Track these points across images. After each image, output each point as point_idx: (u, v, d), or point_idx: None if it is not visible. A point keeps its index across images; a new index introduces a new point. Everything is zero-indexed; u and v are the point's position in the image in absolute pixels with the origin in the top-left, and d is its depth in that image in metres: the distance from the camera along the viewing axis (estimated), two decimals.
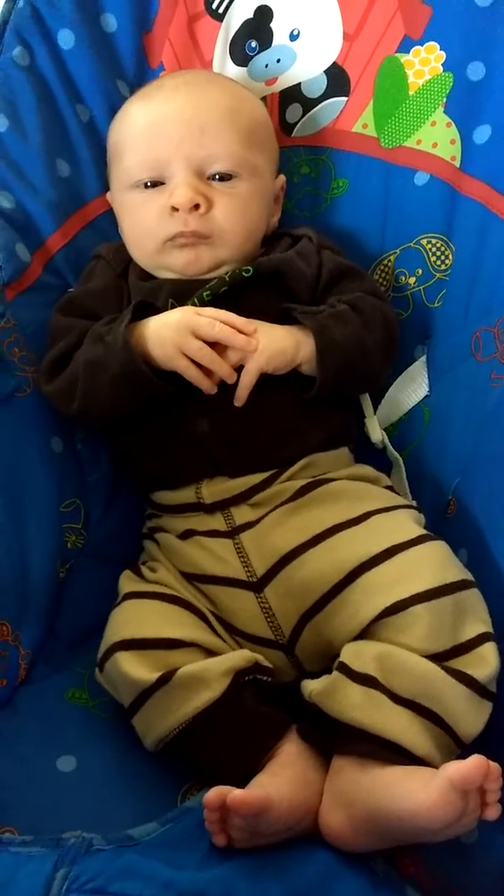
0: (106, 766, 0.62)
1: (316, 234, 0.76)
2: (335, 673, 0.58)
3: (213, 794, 0.51)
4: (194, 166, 0.71)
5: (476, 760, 0.49)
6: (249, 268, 0.70)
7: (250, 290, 0.70)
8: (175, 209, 0.70)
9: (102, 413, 0.70)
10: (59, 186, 0.78)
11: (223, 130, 0.71)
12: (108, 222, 0.80)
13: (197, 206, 0.70)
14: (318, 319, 0.68)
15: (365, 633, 0.60)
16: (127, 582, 0.69)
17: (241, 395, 0.67)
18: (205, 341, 0.66)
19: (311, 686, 0.59)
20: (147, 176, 0.72)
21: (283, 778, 0.55)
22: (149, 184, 0.72)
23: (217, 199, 0.71)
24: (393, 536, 0.62)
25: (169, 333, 0.66)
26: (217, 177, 0.72)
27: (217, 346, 0.66)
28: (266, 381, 0.68)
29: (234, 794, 0.51)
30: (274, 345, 0.67)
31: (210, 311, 0.67)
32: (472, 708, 0.57)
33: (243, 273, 0.70)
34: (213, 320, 0.66)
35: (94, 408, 0.69)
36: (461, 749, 0.57)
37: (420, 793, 0.50)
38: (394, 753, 0.54)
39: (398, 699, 0.56)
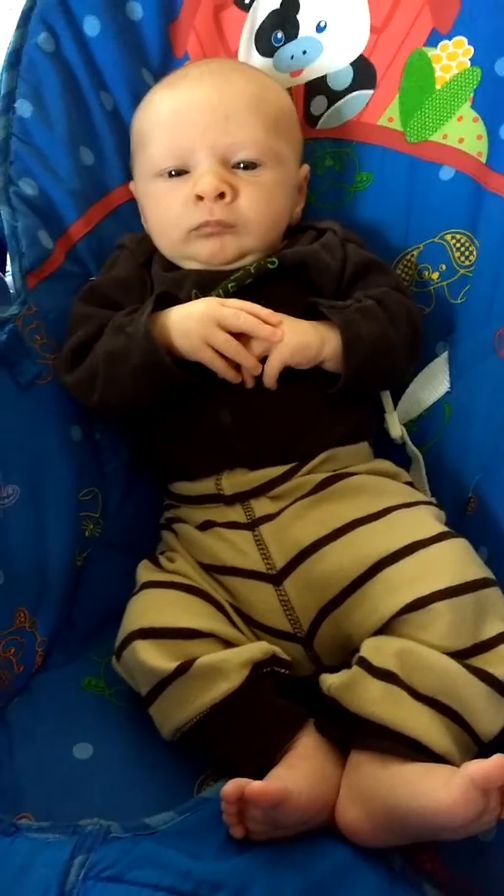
0: (122, 755, 0.62)
1: (341, 227, 0.75)
2: (355, 668, 0.58)
3: (231, 786, 0.51)
4: (219, 154, 0.71)
5: (498, 760, 0.49)
6: (275, 259, 0.70)
7: (275, 282, 0.70)
8: (200, 198, 0.70)
9: (123, 404, 0.70)
10: (83, 174, 0.78)
11: (248, 118, 0.71)
12: (130, 211, 0.80)
13: (222, 195, 0.69)
14: (345, 314, 0.68)
15: (385, 629, 0.59)
16: (145, 571, 0.69)
17: (270, 384, 0.67)
18: (230, 332, 0.66)
19: (330, 680, 0.59)
20: (172, 164, 0.72)
21: (300, 771, 0.55)
22: (173, 172, 0.72)
23: (242, 187, 0.71)
24: (414, 532, 0.62)
25: (194, 325, 0.66)
26: (242, 165, 0.71)
27: (241, 337, 0.66)
28: (289, 374, 0.68)
29: (253, 785, 0.51)
30: (297, 338, 0.67)
31: (235, 302, 0.67)
32: (492, 706, 0.56)
33: (269, 265, 0.69)
34: (238, 311, 0.66)
35: (114, 399, 0.69)
36: (480, 747, 0.57)
37: (440, 791, 0.50)
38: (413, 750, 0.54)
39: (418, 696, 0.56)
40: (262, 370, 0.67)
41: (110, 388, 0.68)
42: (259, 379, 0.67)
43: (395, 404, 0.79)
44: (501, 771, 0.49)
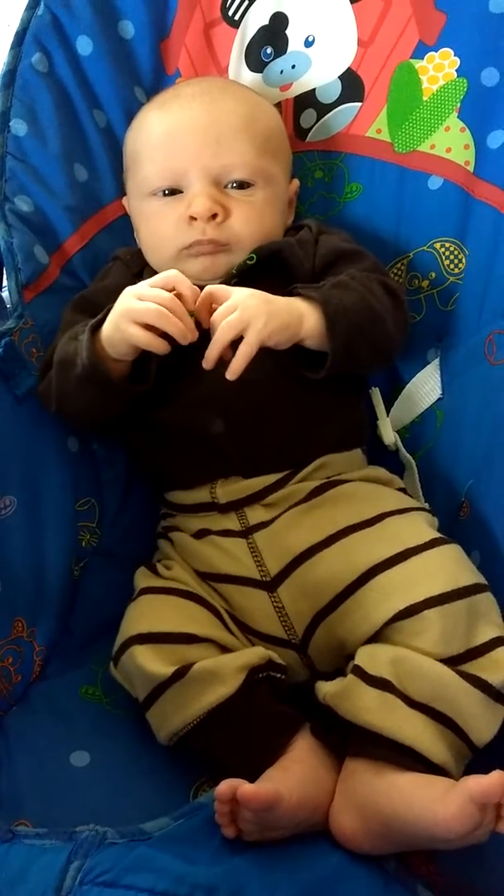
0: (119, 762, 0.62)
1: (316, 223, 0.76)
2: (350, 676, 0.58)
3: (225, 786, 0.52)
4: (211, 176, 0.72)
5: (498, 776, 0.49)
6: (253, 255, 0.71)
7: (256, 280, 0.70)
8: (193, 218, 0.71)
9: (76, 413, 0.69)
10: (77, 190, 0.79)
11: (239, 140, 0.72)
12: (124, 226, 0.81)
13: (214, 216, 0.71)
14: (322, 291, 0.67)
15: (378, 636, 0.60)
16: (142, 578, 0.69)
17: (236, 368, 0.62)
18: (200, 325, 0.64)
19: (325, 688, 0.59)
20: (165, 185, 0.73)
21: (293, 773, 0.55)
22: (167, 192, 0.73)
23: (234, 207, 0.72)
24: (406, 539, 0.63)
25: (115, 317, 0.64)
26: (234, 185, 0.72)
27: (204, 311, 0.64)
28: (280, 381, 0.68)
29: (245, 787, 0.51)
30: (277, 319, 0.63)
31: (155, 284, 0.64)
32: (485, 713, 0.57)
33: (248, 262, 0.70)
34: (149, 307, 0.62)
35: (68, 408, 0.69)
36: (473, 753, 0.57)
37: (438, 803, 0.51)
38: (409, 759, 0.54)
39: (413, 703, 0.56)
40: (232, 359, 0.62)
41: (62, 396, 0.68)
42: (252, 385, 0.64)
43: (388, 411, 0.80)
44: (500, 787, 0.49)
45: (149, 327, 0.63)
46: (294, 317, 0.64)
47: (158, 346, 0.63)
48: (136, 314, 0.63)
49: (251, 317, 0.62)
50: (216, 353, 0.62)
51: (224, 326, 0.62)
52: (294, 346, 0.65)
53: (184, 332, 0.62)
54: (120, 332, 0.64)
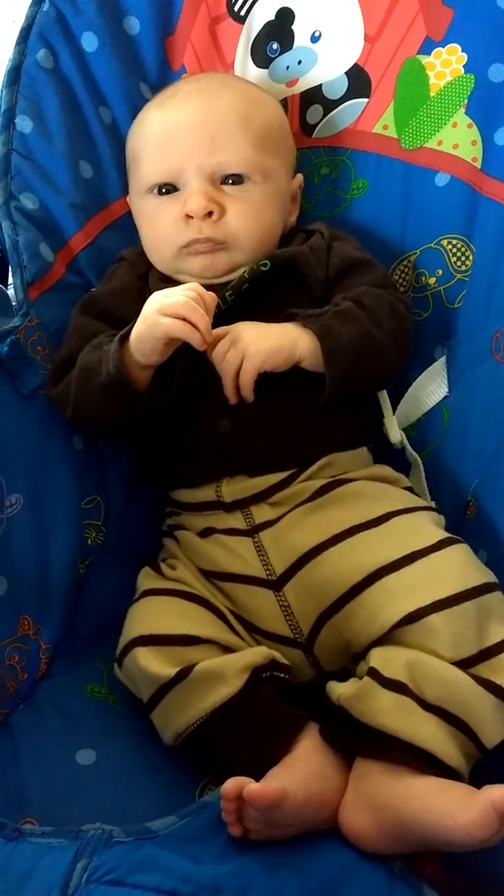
0: (125, 760, 0.62)
1: (327, 228, 0.76)
2: (366, 678, 0.58)
3: (231, 784, 0.52)
4: (207, 173, 0.72)
5: None
6: (267, 261, 0.71)
7: (267, 287, 0.70)
8: (189, 217, 0.71)
9: (94, 421, 0.71)
10: (82, 188, 0.79)
11: (234, 136, 0.72)
12: (130, 223, 0.80)
13: (210, 214, 0.70)
14: (322, 321, 0.67)
15: (388, 638, 0.59)
16: (146, 579, 0.69)
17: (246, 395, 0.67)
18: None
19: (339, 689, 0.59)
20: (162, 183, 0.73)
21: (298, 771, 0.55)
22: (164, 190, 0.73)
23: (230, 204, 0.71)
24: (413, 540, 0.62)
25: (146, 313, 0.66)
26: (229, 181, 0.72)
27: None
28: (285, 382, 0.68)
29: (251, 786, 0.51)
30: (268, 343, 0.66)
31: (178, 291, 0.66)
32: (497, 716, 0.56)
33: (261, 267, 0.70)
34: (179, 299, 0.64)
35: (85, 415, 0.70)
36: (481, 755, 0.57)
37: (458, 810, 0.51)
38: (424, 762, 0.54)
39: (427, 705, 0.56)
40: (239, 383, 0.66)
41: (81, 403, 0.69)
42: (258, 386, 0.67)
43: (394, 410, 0.80)
44: None
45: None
46: (287, 340, 0.67)
47: (194, 335, 0.64)
48: (167, 307, 0.64)
49: (244, 347, 0.66)
50: (231, 389, 0.67)
51: (224, 364, 0.66)
52: (299, 371, 0.67)
53: (209, 326, 0.64)
54: (150, 326, 0.65)
